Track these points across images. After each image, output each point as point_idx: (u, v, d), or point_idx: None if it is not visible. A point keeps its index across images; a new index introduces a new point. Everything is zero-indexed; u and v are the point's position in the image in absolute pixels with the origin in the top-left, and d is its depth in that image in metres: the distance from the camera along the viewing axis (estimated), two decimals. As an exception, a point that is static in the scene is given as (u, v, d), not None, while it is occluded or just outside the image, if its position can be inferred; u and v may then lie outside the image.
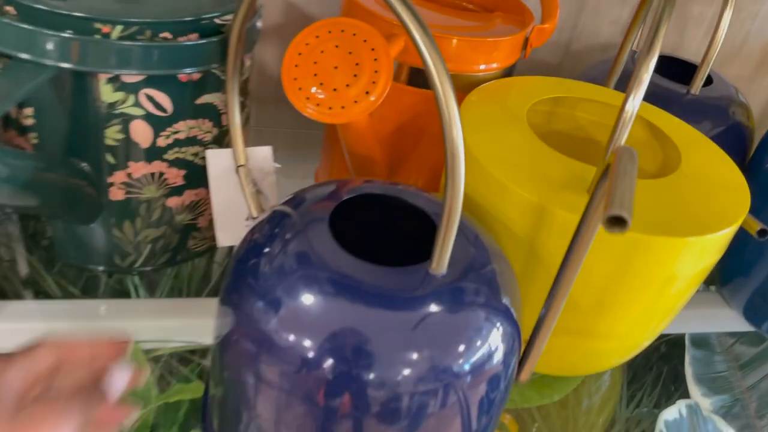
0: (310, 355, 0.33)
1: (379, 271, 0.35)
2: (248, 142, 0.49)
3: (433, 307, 0.34)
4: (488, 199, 0.43)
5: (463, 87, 0.54)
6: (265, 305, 0.35)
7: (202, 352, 0.51)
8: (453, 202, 0.32)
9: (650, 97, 0.55)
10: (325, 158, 0.66)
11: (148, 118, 0.46)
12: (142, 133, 0.47)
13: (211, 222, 0.56)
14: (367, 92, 0.40)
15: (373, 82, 0.41)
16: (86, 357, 0.32)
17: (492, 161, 0.44)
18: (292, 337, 0.34)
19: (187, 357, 0.51)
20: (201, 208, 0.54)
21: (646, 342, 0.53)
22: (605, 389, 0.62)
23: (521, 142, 0.47)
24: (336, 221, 0.39)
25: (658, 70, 0.65)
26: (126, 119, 0.46)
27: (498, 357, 0.35)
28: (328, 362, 0.33)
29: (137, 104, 0.45)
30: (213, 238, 0.57)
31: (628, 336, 0.50)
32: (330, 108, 0.40)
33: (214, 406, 0.43)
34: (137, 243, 0.53)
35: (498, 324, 0.36)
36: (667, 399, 0.63)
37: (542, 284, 0.42)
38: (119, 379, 0.32)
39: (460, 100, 0.52)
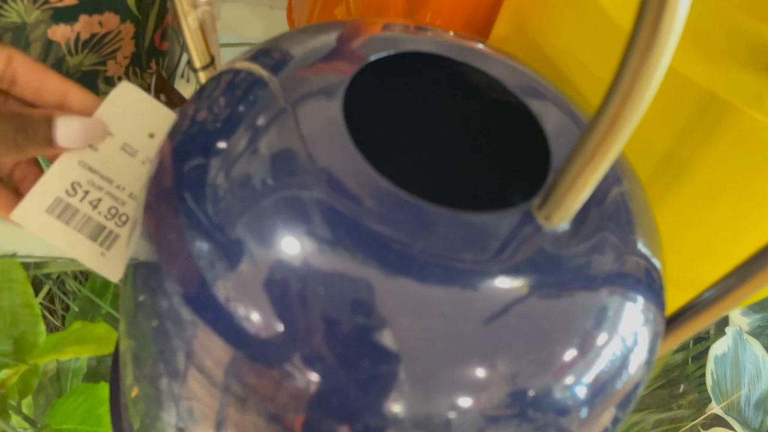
0: (289, 350, 0.17)
1: (434, 213, 0.18)
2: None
3: (532, 285, 0.18)
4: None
5: None
6: (212, 248, 0.18)
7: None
8: (625, 109, 0.15)
9: None
10: (306, -21, 0.45)
11: None
12: None
13: (128, 69, 0.36)
14: None
15: None
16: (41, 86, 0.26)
17: (620, 4, 0.25)
18: (256, 315, 0.18)
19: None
20: (111, 45, 0.34)
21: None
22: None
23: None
24: (347, 102, 0.21)
25: None
26: None
27: (637, 359, 0.20)
28: (319, 368, 0.17)
29: None
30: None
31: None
32: None
33: (125, 375, 0.26)
34: (5, 97, 0.33)
35: (640, 301, 0.20)
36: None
37: (679, 214, 0.26)
38: (72, 125, 0.26)
39: None
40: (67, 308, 0.53)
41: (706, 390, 0.56)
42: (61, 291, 0.47)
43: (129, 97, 0.28)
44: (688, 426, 0.53)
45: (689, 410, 0.56)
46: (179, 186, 0.20)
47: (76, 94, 0.26)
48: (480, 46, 0.24)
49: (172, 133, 0.22)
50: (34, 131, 0.25)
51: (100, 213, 0.28)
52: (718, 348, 0.51)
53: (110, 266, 0.28)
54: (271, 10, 0.51)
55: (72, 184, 0.27)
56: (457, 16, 0.39)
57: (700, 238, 0.27)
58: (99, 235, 0.28)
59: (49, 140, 0.26)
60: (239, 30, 0.54)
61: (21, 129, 0.25)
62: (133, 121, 0.28)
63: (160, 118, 0.28)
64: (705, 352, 0.57)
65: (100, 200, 0.27)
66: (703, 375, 0.59)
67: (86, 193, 0.27)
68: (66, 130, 0.26)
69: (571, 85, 0.26)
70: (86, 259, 0.28)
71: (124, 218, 0.28)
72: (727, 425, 0.50)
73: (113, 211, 0.28)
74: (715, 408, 0.50)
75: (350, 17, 0.40)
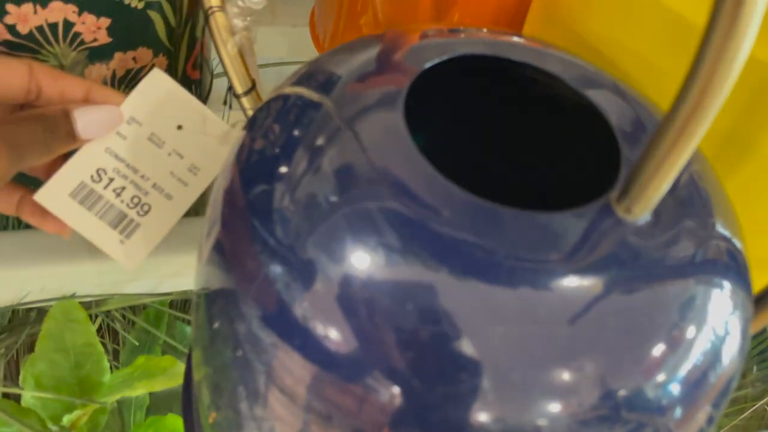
0: (371, 365, 0.17)
1: (511, 215, 0.18)
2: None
3: (618, 280, 0.17)
4: (658, 50, 0.24)
5: None
6: (284, 271, 0.18)
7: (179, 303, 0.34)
8: (706, 98, 0.14)
9: None
10: (325, -7, 0.45)
11: None
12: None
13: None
14: None
15: None
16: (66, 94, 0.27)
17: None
18: (335, 332, 0.17)
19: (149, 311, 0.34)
20: (147, 79, 0.34)
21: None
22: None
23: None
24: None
25: None
26: None
27: (731, 349, 0.19)
28: (403, 381, 0.17)
29: None
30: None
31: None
32: None
33: (201, 402, 0.26)
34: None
35: (727, 287, 0.19)
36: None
37: (743, 193, 0.25)
38: (90, 116, 0.26)
39: None
40: (117, 342, 0.53)
41: (766, 368, 0.54)
42: (111, 324, 0.47)
43: (160, 86, 0.27)
44: (754, 406, 0.51)
45: (753, 390, 0.54)
46: (250, 214, 0.20)
47: (98, 91, 0.27)
48: (523, 41, 0.24)
49: (233, 164, 0.22)
50: (57, 128, 0.25)
51: (122, 201, 0.28)
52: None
53: (127, 254, 0.28)
54: (294, 28, 0.51)
55: (97, 170, 0.27)
56: (485, 13, 0.39)
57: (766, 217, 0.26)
58: (120, 222, 0.28)
59: (72, 135, 0.26)
60: (263, 50, 0.54)
61: (48, 128, 0.25)
62: (162, 112, 0.27)
63: (190, 110, 0.28)
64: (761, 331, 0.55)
65: (123, 188, 0.27)
66: (761, 353, 0.58)
67: (111, 180, 0.27)
68: (85, 121, 0.26)
69: (620, 71, 0.26)
70: (104, 246, 0.28)
71: (146, 208, 0.28)
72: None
73: (136, 200, 0.28)
74: (784, 386, 0.48)
75: (377, 26, 0.40)
